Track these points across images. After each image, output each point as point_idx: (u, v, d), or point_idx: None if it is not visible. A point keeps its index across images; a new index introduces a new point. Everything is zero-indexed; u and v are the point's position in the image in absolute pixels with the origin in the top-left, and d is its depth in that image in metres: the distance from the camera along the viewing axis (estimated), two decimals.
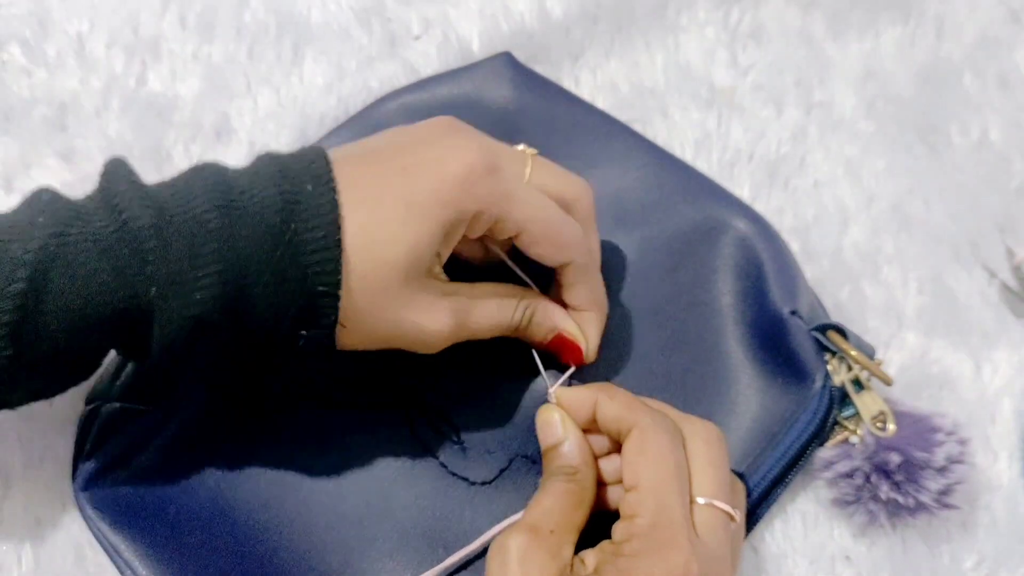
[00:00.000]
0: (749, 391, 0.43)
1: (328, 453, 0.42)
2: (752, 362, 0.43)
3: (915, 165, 0.53)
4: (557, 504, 0.36)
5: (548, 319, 0.41)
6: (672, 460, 0.35)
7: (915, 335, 0.49)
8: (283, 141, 0.49)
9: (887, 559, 0.45)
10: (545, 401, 0.40)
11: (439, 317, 0.38)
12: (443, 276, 0.39)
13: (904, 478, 0.42)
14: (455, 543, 0.41)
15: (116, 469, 0.41)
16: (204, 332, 0.34)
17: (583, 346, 0.41)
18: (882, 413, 0.43)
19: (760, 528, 0.44)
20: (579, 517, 0.36)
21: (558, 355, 0.42)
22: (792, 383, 0.43)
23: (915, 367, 0.48)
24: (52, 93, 0.48)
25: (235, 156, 0.49)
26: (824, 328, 0.43)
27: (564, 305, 0.42)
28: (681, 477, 0.35)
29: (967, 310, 0.50)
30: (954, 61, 0.55)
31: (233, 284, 0.34)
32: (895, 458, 0.42)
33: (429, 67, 0.51)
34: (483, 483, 0.42)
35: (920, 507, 0.42)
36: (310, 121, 0.50)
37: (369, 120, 0.49)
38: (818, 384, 0.42)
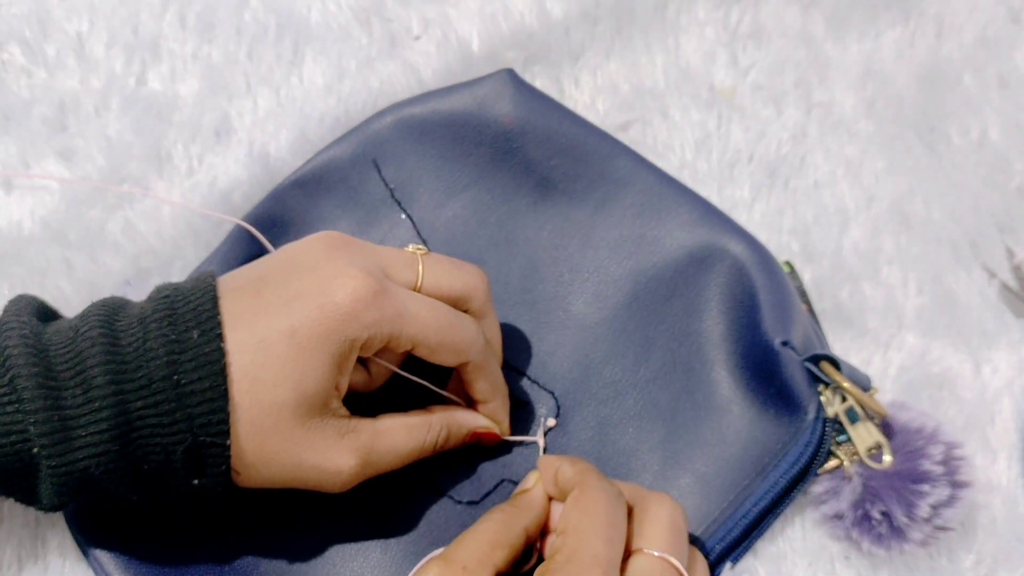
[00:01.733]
0: (740, 421, 0.43)
1: None
2: (743, 392, 0.43)
3: (915, 165, 0.53)
4: (477, 540, 0.36)
5: (461, 430, 0.42)
6: (604, 512, 0.35)
7: (915, 335, 0.49)
8: (283, 141, 0.49)
9: (886, 559, 0.45)
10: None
11: (341, 458, 0.37)
12: (343, 411, 0.38)
13: (887, 531, 0.42)
14: None
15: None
16: (94, 483, 0.35)
17: (498, 432, 0.43)
18: (877, 444, 0.43)
19: None
20: (498, 557, 0.35)
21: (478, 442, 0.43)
22: (784, 414, 0.42)
23: (915, 367, 0.48)
24: (52, 93, 0.48)
25: (235, 156, 0.49)
26: (817, 359, 0.43)
27: (468, 397, 0.42)
28: (612, 527, 0.35)
29: (967, 310, 0.50)
30: (954, 61, 0.55)
31: (120, 440, 0.34)
32: (877, 513, 0.42)
33: (429, 67, 0.51)
34: (469, 503, 0.42)
35: (906, 545, 0.43)
36: (310, 121, 0.50)
37: (366, 133, 0.49)
38: (810, 416, 0.42)
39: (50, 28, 0.49)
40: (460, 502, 0.42)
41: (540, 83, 0.52)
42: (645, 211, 0.46)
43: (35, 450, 0.33)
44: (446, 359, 0.40)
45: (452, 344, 0.39)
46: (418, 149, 0.48)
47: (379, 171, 0.48)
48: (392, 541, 0.41)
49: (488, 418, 0.42)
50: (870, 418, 0.43)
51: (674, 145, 0.52)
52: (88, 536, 0.40)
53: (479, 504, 0.42)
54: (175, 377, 0.34)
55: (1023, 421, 0.48)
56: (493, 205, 0.48)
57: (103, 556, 0.40)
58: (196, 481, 0.36)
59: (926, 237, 0.51)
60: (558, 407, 0.44)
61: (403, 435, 0.39)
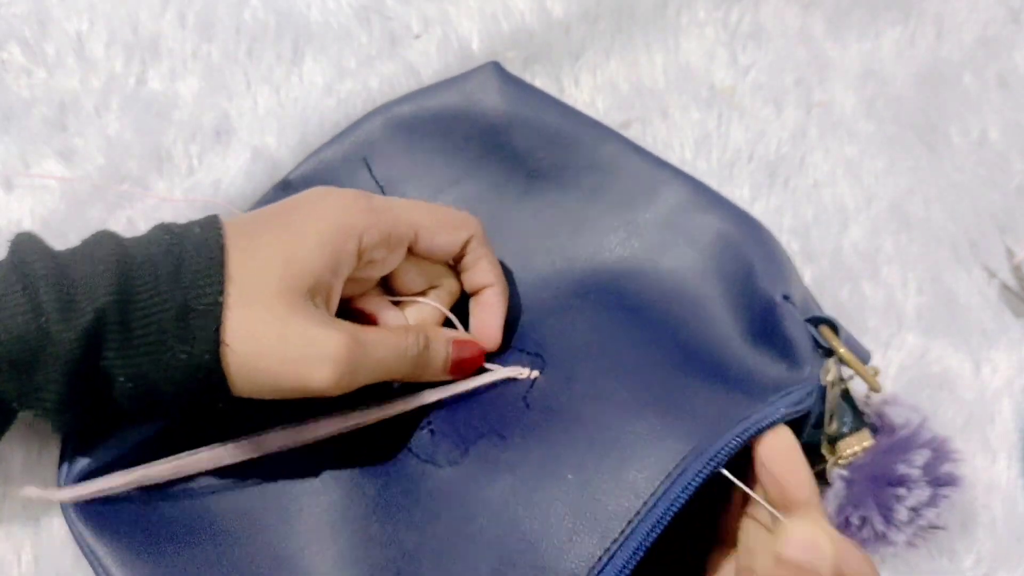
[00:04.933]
0: (743, 369, 0.42)
1: (312, 461, 0.42)
2: (748, 349, 0.42)
3: (915, 165, 0.53)
4: None
5: (439, 339, 0.41)
6: None
7: (915, 335, 0.49)
8: (283, 140, 0.49)
9: (886, 558, 0.45)
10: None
11: (328, 338, 0.37)
12: (329, 312, 0.39)
13: (870, 535, 0.42)
14: (426, 527, 0.40)
15: (100, 475, 0.41)
16: (93, 361, 0.35)
17: (477, 342, 0.42)
18: (864, 448, 0.43)
19: None
20: None
21: (462, 369, 0.42)
22: (790, 368, 0.41)
23: (915, 367, 0.48)
24: (52, 93, 0.48)
25: (235, 155, 0.49)
26: (817, 321, 0.42)
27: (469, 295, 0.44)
28: None
29: (967, 310, 0.50)
30: (954, 61, 0.55)
31: (119, 304, 0.35)
32: (856, 519, 0.42)
33: (429, 67, 0.51)
34: (450, 464, 0.41)
35: (890, 547, 0.43)
36: (310, 120, 0.50)
37: (356, 134, 0.49)
38: (807, 372, 0.41)
39: (50, 28, 0.49)
40: (441, 466, 0.41)
41: (540, 82, 0.52)
42: (635, 195, 0.46)
43: (42, 320, 0.34)
44: (450, 237, 0.41)
45: (451, 221, 0.41)
46: (408, 146, 0.48)
47: (370, 170, 0.48)
48: (387, 522, 0.41)
49: (487, 310, 0.43)
50: (864, 424, 0.43)
51: (674, 144, 0.52)
52: (86, 533, 0.41)
53: (460, 464, 0.41)
54: (175, 251, 0.36)
55: (1023, 421, 0.48)
56: (484, 197, 0.48)
57: (101, 552, 0.40)
58: (185, 354, 0.36)
59: (926, 237, 0.51)
60: (544, 365, 0.43)
61: (384, 337, 0.39)
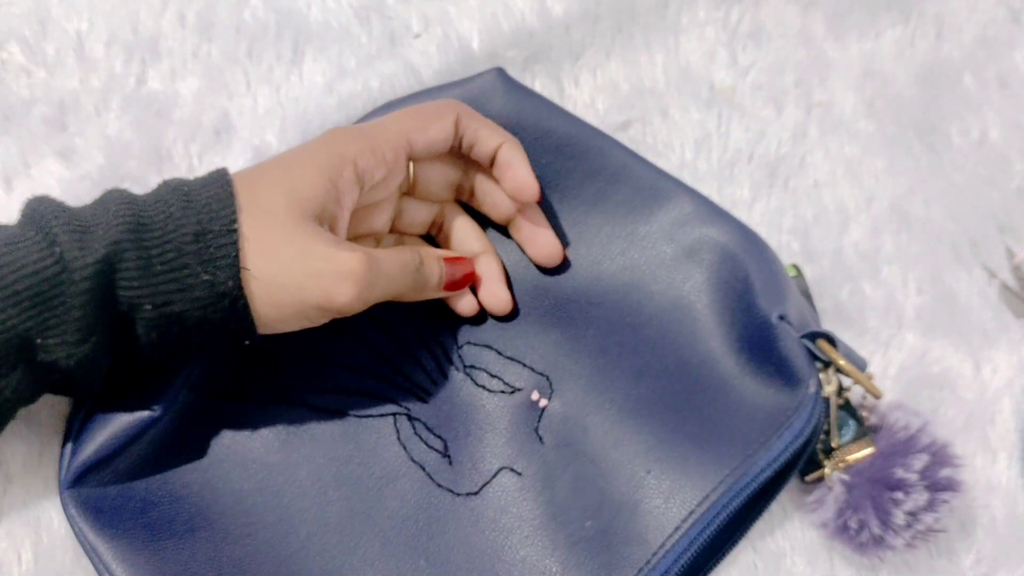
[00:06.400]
0: (740, 397, 0.42)
1: (313, 460, 0.43)
2: (743, 370, 0.43)
3: (915, 165, 0.53)
4: None
5: (431, 255, 0.43)
6: None
7: (915, 335, 0.49)
8: (284, 139, 0.49)
9: (886, 558, 0.45)
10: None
11: (344, 256, 0.38)
12: (341, 236, 0.40)
13: (868, 539, 0.42)
14: (437, 553, 0.41)
15: (100, 470, 0.41)
16: (110, 291, 0.36)
17: (468, 258, 0.45)
18: (865, 455, 0.43)
19: (759, 526, 0.44)
20: None
21: (456, 285, 0.44)
22: (785, 389, 0.42)
23: (915, 367, 0.48)
24: (52, 92, 0.48)
25: (235, 154, 0.49)
26: (814, 336, 0.42)
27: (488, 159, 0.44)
28: None
29: (967, 310, 0.50)
30: (954, 61, 0.55)
31: (133, 232, 0.36)
32: (854, 523, 0.42)
33: (429, 67, 0.51)
34: (468, 494, 0.42)
35: (889, 551, 0.43)
36: (310, 120, 0.50)
37: None
38: (811, 389, 0.42)
39: (50, 27, 0.49)
40: (459, 494, 0.42)
41: (540, 82, 0.52)
42: (637, 206, 0.46)
43: (57, 250, 0.35)
44: (440, 127, 0.42)
45: (433, 111, 0.43)
46: None
47: None
48: (391, 535, 0.41)
49: (509, 168, 0.43)
50: (866, 433, 0.43)
51: (674, 144, 0.52)
52: (87, 530, 0.41)
53: (477, 495, 0.42)
54: (183, 189, 0.38)
55: (1023, 421, 0.48)
56: None
57: (102, 548, 0.40)
58: (209, 276, 0.36)
59: (926, 237, 0.51)
60: (551, 390, 0.44)
61: (390, 254, 0.41)
